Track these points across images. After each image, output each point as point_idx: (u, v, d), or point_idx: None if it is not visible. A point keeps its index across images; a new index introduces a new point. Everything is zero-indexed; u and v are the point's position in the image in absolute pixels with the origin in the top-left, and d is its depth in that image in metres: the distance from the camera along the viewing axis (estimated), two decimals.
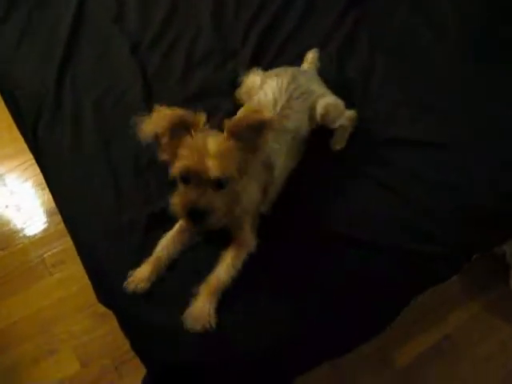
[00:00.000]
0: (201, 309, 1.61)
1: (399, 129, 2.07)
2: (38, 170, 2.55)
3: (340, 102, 2.00)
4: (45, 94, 2.19)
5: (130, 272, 1.71)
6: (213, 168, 1.45)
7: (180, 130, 1.50)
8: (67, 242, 2.56)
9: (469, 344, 2.45)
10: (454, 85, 2.21)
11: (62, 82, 2.21)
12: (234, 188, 1.55)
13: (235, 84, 2.13)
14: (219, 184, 1.49)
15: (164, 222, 1.77)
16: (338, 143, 2.03)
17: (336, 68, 2.25)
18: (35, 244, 2.65)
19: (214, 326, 1.59)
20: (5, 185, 2.88)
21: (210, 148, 1.47)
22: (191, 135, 1.50)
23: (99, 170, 1.97)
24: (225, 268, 1.67)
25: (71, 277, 2.52)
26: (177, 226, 1.78)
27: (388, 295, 1.79)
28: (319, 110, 1.93)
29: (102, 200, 1.92)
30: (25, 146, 2.31)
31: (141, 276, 1.69)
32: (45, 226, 2.71)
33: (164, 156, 1.56)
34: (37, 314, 2.46)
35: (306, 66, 2.16)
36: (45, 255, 2.60)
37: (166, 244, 1.75)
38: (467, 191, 1.90)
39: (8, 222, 2.74)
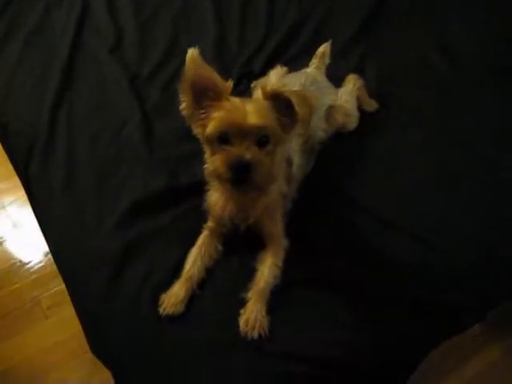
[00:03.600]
0: (254, 315, 1.57)
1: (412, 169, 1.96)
2: None
3: (352, 103, 2.04)
4: (38, 129, 2.09)
5: (162, 296, 1.62)
6: (255, 119, 1.42)
7: (205, 97, 1.47)
8: (63, 283, 2.45)
9: None
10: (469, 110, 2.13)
11: (56, 116, 2.12)
12: (273, 154, 1.51)
13: None
14: (261, 142, 1.46)
15: None
16: (368, 105, 2.12)
17: None
18: (31, 285, 2.52)
19: (267, 330, 1.55)
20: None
21: (248, 106, 1.44)
22: (226, 99, 1.46)
23: (91, 210, 1.86)
24: (267, 269, 1.66)
25: (67, 320, 2.37)
26: (200, 240, 1.73)
27: (409, 346, 1.67)
28: (340, 119, 2.00)
29: (92, 241, 1.81)
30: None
31: (175, 299, 1.62)
32: (41, 265, 2.59)
33: (196, 127, 1.52)
34: (31, 361, 2.32)
35: (314, 62, 2.15)
36: (40, 297, 2.48)
37: (194, 260, 1.69)
38: (492, 239, 1.79)
39: (3, 261, 2.62)
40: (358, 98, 2.07)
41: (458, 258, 1.73)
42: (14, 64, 2.32)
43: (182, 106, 1.51)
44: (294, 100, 1.43)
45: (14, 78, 2.28)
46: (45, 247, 2.61)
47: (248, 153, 1.43)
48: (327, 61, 2.14)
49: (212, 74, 1.46)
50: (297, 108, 1.43)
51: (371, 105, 2.12)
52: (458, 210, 1.84)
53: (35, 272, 2.57)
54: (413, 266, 1.73)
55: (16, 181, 2.22)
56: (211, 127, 1.46)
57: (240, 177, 1.45)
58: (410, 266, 1.73)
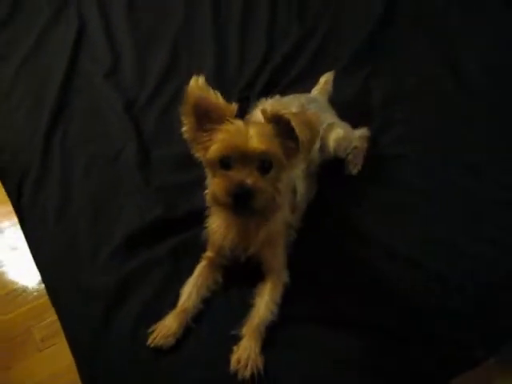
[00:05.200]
0: (247, 353, 1.49)
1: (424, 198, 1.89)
2: None
3: (349, 131, 1.94)
4: (31, 157, 2.02)
5: (153, 326, 1.55)
6: (257, 143, 1.36)
7: (207, 120, 1.41)
8: None
9: None
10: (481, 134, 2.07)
11: (49, 144, 2.05)
12: (276, 181, 1.45)
13: None
14: (264, 168, 1.40)
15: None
16: (354, 166, 1.97)
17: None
18: (25, 315, 2.42)
19: (261, 368, 1.47)
20: None
21: (251, 130, 1.38)
22: (229, 121, 1.39)
23: (85, 242, 1.79)
24: (264, 304, 1.58)
25: (60, 352, 2.27)
26: (197, 271, 1.66)
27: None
28: (331, 144, 1.86)
29: (86, 274, 1.73)
30: None
31: (166, 331, 1.54)
32: (36, 294, 2.49)
33: (197, 150, 1.46)
34: None
35: (317, 89, 2.09)
36: (33, 328, 2.37)
37: (190, 292, 1.62)
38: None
39: None
40: (359, 151, 1.98)
41: (470, 292, 1.65)
42: (7, 89, 2.25)
43: (184, 129, 1.44)
44: (295, 123, 1.36)
45: (6, 103, 2.21)
46: (38, 276, 2.53)
47: (249, 179, 1.36)
48: (330, 88, 2.09)
49: (215, 97, 1.40)
50: (297, 131, 1.35)
51: (355, 167, 1.99)
52: (471, 241, 1.77)
53: (29, 302, 2.47)
54: (425, 300, 1.66)
55: None
56: (213, 150, 1.39)
57: (240, 203, 1.38)
58: (421, 301, 1.66)
